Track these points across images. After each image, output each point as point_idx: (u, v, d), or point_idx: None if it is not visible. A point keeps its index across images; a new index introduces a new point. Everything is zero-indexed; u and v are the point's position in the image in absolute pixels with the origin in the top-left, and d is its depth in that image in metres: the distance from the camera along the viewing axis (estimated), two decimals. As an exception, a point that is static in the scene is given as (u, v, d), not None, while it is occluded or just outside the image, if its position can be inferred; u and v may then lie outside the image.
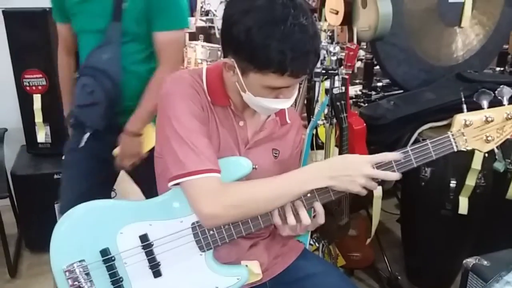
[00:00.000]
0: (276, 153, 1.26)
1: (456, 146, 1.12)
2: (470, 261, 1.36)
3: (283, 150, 1.28)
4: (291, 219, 1.08)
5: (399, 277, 2.25)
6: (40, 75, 2.50)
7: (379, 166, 1.08)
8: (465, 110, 1.15)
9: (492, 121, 1.12)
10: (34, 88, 2.51)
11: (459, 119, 1.12)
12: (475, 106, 1.15)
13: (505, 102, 1.13)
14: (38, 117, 2.54)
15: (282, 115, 1.28)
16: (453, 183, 1.94)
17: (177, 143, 1.06)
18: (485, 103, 1.13)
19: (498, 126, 1.13)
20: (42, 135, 2.60)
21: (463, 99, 1.18)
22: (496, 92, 1.14)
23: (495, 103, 1.14)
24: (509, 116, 1.12)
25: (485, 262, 1.34)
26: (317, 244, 2.03)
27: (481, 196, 1.93)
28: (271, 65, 0.99)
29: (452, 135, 1.12)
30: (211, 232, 1.12)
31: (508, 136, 1.14)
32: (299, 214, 1.08)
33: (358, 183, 1.04)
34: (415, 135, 2.05)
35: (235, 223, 1.10)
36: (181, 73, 1.19)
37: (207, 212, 1.04)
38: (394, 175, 1.07)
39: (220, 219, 1.06)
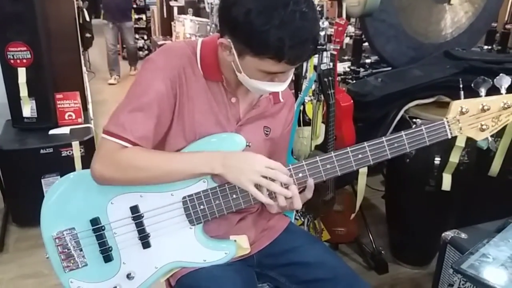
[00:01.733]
0: (267, 131, 1.26)
1: (451, 133, 1.11)
2: (448, 234, 1.40)
3: (274, 128, 1.28)
4: (281, 200, 1.08)
5: (382, 252, 2.31)
6: (25, 48, 2.45)
7: (372, 148, 1.09)
8: (462, 97, 1.13)
9: (488, 109, 1.10)
10: (18, 61, 2.46)
11: (455, 106, 1.11)
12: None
13: (503, 91, 1.12)
14: (23, 91, 2.50)
15: (276, 94, 1.28)
16: (437, 160, 1.97)
17: (123, 101, 1.11)
18: (482, 91, 1.11)
19: (494, 115, 1.12)
20: (28, 109, 2.57)
21: (461, 86, 1.16)
22: (494, 80, 1.12)
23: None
24: (506, 106, 1.10)
25: (463, 235, 1.38)
26: (302, 219, 2.07)
27: (464, 173, 1.97)
28: (269, 51, 0.98)
29: (447, 121, 1.11)
30: (202, 206, 1.13)
31: (503, 126, 1.13)
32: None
33: (248, 178, 1.05)
34: (402, 112, 2.07)
35: (226, 199, 1.12)
36: (175, 43, 1.18)
37: (97, 171, 1.09)
38: (284, 178, 1.07)
39: (109, 181, 1.10)
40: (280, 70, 1.04)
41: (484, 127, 1.12)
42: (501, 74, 1.13)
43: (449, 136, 1.12)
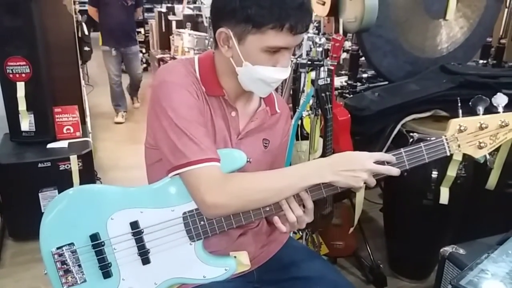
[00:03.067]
0: (266, 143, 1.27)
1: (449, 151, 1.13)
2: (447, 249, 1.39)
3: (273, 140, 1.29)
4: (291, 216, 1.08)
5: (381, 266, 2.30)
6: (24, 63, 2.46)
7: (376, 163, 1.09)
8: (460, 115, 1.15)
9: (486, 127, 1.12)
10: (17, 75, 2.47)
11: (454, 123, 1.13)
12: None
13: (500, 109, 1.14)
14: (22, 105, 2.50)
15: (272, 104, 1.29)
16: (434, 174, 1.98)
17: (175, 133, 1.06)
18: (480, 109, 1.14)
19: (492, 133, 1.13)
20: (26, 123, 2.58)
21: (459, 104, 1.17)
22: (492, 99, 1.15)
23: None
24: (504, 124, 1.12)
25: (461, 251, 1.37)
26: (300, 233, 2.06)
27: (462, 187, 1.98)
28: (270, 20, 1.01)
29: (446, 139, 1.13)
30: (202, 222, 1.12)
31: (501, 144, 1.15)
32: (292, 209, 1.09)
33: (361, 179, 1.05)
34: (399, 126, 2.08)
35: (227, 216, 1.11)
36: (174, 62, 1.18)
37: (211, 202, 1.04)
38: (395, 170, 1.08)
39: (224, 208, 1.07)
40: (283, 43, 1.05)
41: (482, 144, 1.14)
42: (498, 93, 1.15)
43: (448, 154, 1.14)
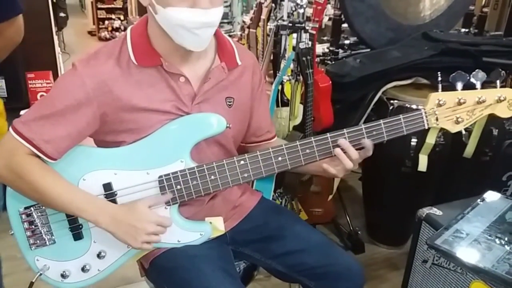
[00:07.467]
0: (230, 102, 1.18)
1: (427, 124, 1.15)
2: (424, 210, 1.41)
3: (239, 96, 1.19)
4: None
5: (359, 232, 2.33)
6: (-7, 24, 2.35)
7: (351, 135, 1.11)
8: (439, 89, 1.17)
9: (464, 103, 1.15)
10: (-14, 37, 2.36)
11: (433, 97, 1.15)
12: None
13: (478, 86, 1.16)
14: (-8, 69, 2.42)
15: (230, 58, 1.16)
16: (413, 141, 1.98)
17: (41, 102, 1.08)
18: (459, 85, 1.16)
19: (469, 109, 1.16)
20: (-3, 88, 2.50)
21: (439, 79, 1.19)
22: (471, 75, 1.16)
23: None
24: (481, 100, 1.15)
25: (437, 212, 1.39)
26: (280, 199, 2.07)
27: (440, 154, 1.99)
28: None
29: (425, 112, 1.15)
30: (178, 186, 1.10)
31: (477, 120, 1.18)
32: (347, 152, 1.12)
33: (140, 241, 1.07)
34: (379, 93, 2.06)
35: (204, 180, 1.09)
36: (102, 47, 1.09)
37: None
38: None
39: None
40: None
41: (459, 119, 1.17)
42: (477, 70, 1.17)
43: (426, 127, 1.16)
